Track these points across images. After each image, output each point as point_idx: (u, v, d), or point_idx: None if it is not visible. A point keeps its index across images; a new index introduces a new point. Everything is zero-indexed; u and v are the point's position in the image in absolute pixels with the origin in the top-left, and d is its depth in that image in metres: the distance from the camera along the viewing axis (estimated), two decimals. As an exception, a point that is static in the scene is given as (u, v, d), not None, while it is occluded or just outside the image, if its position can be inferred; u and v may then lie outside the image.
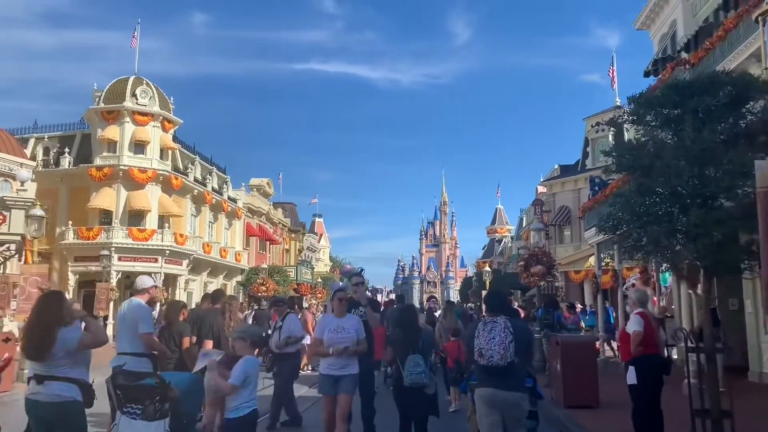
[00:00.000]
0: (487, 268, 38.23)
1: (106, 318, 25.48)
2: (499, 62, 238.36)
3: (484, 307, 24.68)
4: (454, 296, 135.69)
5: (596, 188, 20.09)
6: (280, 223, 54.00)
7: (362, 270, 10.44)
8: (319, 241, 74.99)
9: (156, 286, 7.18)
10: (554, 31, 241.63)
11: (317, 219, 79.63)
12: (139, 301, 6.94)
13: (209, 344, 7.61)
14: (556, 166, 39.95)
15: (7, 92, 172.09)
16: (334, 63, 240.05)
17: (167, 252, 31.58)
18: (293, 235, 59.58)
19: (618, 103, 34.63)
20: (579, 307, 23.11)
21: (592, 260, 27.72)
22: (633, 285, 23.45)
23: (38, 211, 14.67)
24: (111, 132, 31.87)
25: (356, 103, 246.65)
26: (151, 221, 32.23)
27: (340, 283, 18.51)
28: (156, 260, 31.47)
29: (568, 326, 16.26)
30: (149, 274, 31.33)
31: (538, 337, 16.18)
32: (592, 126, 34.73)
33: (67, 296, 5.77)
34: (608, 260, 20.36)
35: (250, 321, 19.78)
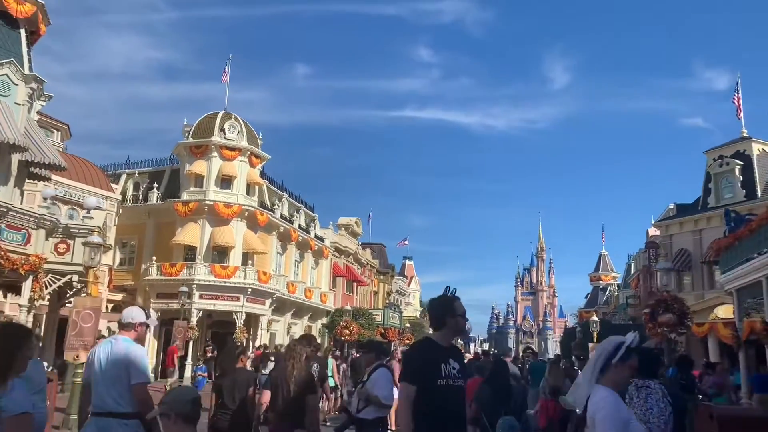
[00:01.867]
0: (594, 318, 34.35)
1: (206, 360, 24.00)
2: (596, 106, 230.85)
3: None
4: (553, 347, 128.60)
5: (733, 223, 16.68)
6: (368, 264, 52.31)
7: None
8: (409, 285, 72.70)
9: (144, 324, 5.08)
10: (655, 73, 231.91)
11: (407, 261, 77.55)
12: (128, 339, 4.95)
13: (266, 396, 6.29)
14: (671, 206, 35.89)
15: (128, 142, 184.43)
16: (429, 110, 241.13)
17: (249, 290, 30.32)
18: (382, 277, 57.69)
19: (744, 134, 30.66)
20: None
21: (720, 311, 23.75)
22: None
23: (95, 238, 13.35)
24: (198, 167, 31.44)
25: (450, 149, 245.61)
26: (234, 258, 31.22)
27: None
28: (238, 299, 30.25)
29: (708, 390, 12.97)
30: (232, 313, 30.23)
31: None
32: (714, 159, 30.78)
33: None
34: (752, 312, 16.79)
35: (340, 370, 17.50)
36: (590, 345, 31.77)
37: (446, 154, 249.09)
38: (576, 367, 25.13)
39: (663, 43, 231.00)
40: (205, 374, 21.38)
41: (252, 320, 32.04)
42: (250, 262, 31.52)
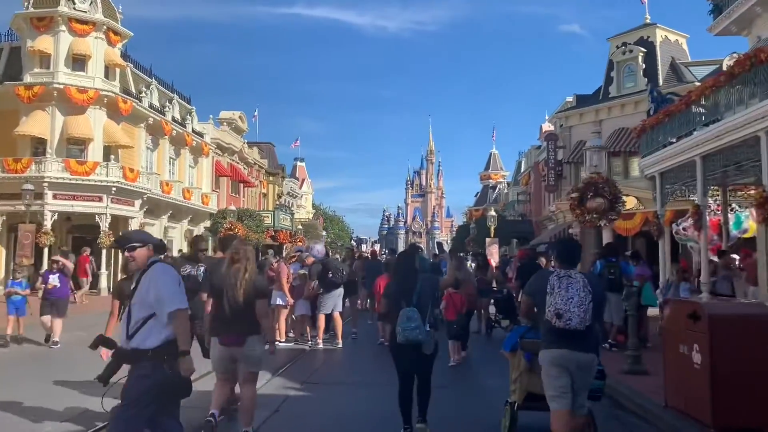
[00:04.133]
0: (492, 213, 33.48)
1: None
2: (485, 10, 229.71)
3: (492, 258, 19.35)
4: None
5: (657, 103, 15.16)
6: (256, 164, 48.65)
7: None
8: (300, 187, 69.80)
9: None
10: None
11: (299, 163, 74.13)
12: None
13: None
14: (570, 98, 34.85)
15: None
16: (321, 8, 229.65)
17: (114, 189, 26.32)
18: (271, 178, 54.31)
19: (648, 20, 29.49)
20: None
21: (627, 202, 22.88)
22: (684, 230, 18.96)
23: None
24: (43, 43, 26.14)
25: (342, 52, 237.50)
26: (94, 153, 26.86)
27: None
28: (100, 199, 26.24)
29: (634, 282, 11.61)
30: (94, 215, 26.27)
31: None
32: (617, 47, 29.55)
33: None
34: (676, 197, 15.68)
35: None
36: (487, 240, 31.08)
37: (338, 57, 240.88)
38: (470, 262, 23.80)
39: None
40: (26, 291, 12.00)
41: (120, 223, 28.17)
42: (113, 157, 27.25)
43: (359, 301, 15.14)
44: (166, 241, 32.11)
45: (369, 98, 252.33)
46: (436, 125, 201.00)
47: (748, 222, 18.21)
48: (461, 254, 16.77)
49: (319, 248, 13.51)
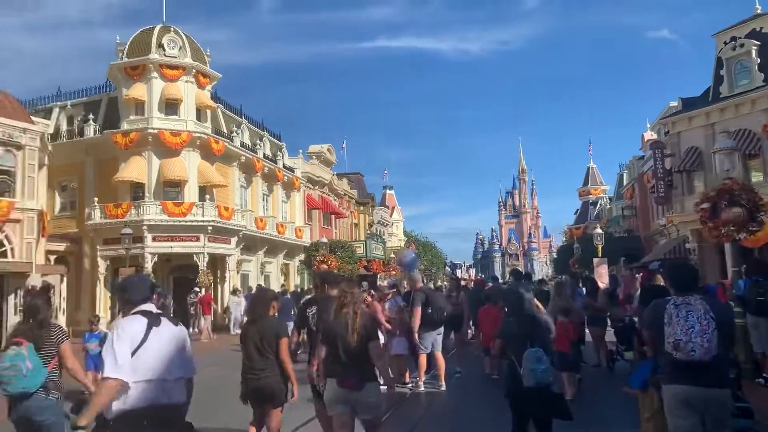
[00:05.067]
0: (599, 230, 31.31)
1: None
2: (569, 23, 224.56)
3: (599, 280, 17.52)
4: (539, 268, 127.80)
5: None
6: (346, 195, 48.67)
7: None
8: (391, 215, 69.42)
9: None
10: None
11: (388, 191, 73.92)
12: None
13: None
14: (674, 103, 32.33)
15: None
16: (402, 38, 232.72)
17: (210, 228, 26.64)
18: (362, 208, 54.21)
19: (759, 10, 26.87)
20: None
21: None
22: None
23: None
24: (137, 90, 27.07)
25: (425, 79, 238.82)
26: (190, 194, 27.36)
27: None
28: (197, 238, 26.60)
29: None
30: (192, 255, 26.65)
31: (740, 323, 9.91)
32: (725, 43, 27.06)
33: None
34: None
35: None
36: (595, 260, 28.96)
37: (421, 84, 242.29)
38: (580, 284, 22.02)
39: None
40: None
41: (218, 261, 28.54)
42: (208, 197, 27.68)
43: (465, 336, 13.94)
44: (263, 277, 32.39)
45: (454, 122, 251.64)
46: (526, 143, 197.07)
47: None
48: (560, 278, 15.31)
49: (412, 254, 12.56)
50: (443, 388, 10.79)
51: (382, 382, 5.71)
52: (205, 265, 26.64)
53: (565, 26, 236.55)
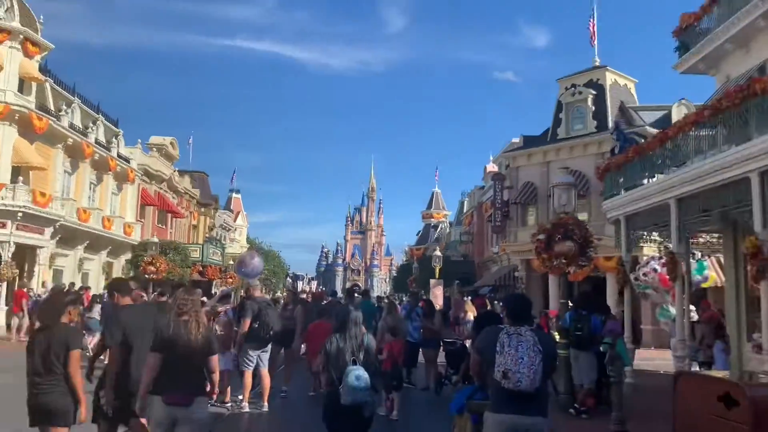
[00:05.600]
0: (438, 253, 32.07)
1: None
2: (430, 54, 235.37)
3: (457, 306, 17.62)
4: (379, 284, 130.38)
5: (623, 140, 14.13)
6: (186, 193, 45.97)
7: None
8: (235, 220, 67.01)
9: None
10: (482, 25, 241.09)
11: (234, 195, 71.37)
12: None
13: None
14: (517, 139, 34.24)
15: None
16: (265, 42, 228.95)
17: (20, 215, 23.49)
18: (203, 209, 51.59)
19: (598, 62, 29.26)
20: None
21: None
22: (644, 276, 17.90)
23: None
24: (-54, 49, 23.42)
25: (285, 87, 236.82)
26: (0, 173, 24.03)
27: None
28: (3, 225, 23.35)
29: (604, 338, 10.21)
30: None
31: (563, 354, 10.14)
32: (566, 88, 29.13)
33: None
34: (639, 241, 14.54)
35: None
36: (432, 281, 29.58)
37: (280, 91, 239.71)
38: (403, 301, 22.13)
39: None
40: None
41: (27, 253, 25.28)
42: (22, 179, 24.48)
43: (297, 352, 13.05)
44: (80, 275, 29.27)
45: (310, 134, 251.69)
46: (378, 163, 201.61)
47: (709, 271, 17.38)
48: (394, 297, 15.12)
49: (256, 262, 11.60)
50: (265, 408, 9.94)
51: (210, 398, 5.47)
52: (10, 255, 23.43)
53: (423, 56, 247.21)
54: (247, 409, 9.84)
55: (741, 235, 13.07)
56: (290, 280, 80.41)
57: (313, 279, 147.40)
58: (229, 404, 10.12)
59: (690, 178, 10.17)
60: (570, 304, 10.42)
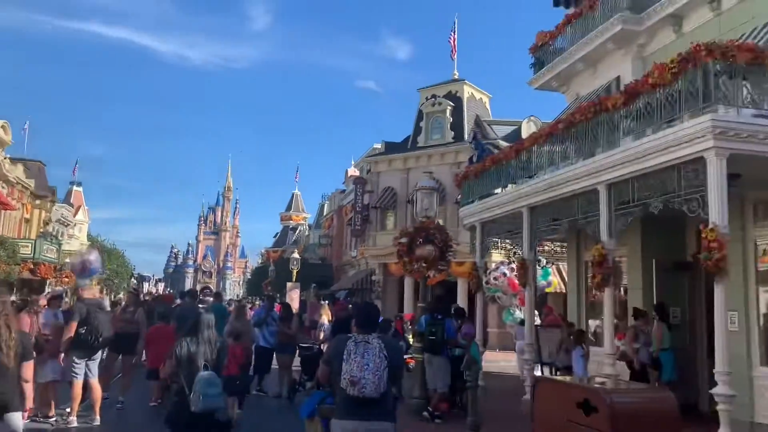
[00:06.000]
0: (296, 255, 31.47)
1: None
2: (294, 55, 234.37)
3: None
4: (231, 287, 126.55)
5: (480, 150, 14.58)
6: (19, 183, 41.44)
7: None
8: (75, 215, 61.58)
9: None
10: (347, 32, 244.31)
11: (75, 188, 65.62)
12: None
13: None
14: (378, 144, 34.62)
15: None
16: (118, 28, 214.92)
17: None
18: (38, 202, 46.81)
19: (456, 76, 30.37)
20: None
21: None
22: (495, 280, 18.63)
23: None
24: None
25: (139, 77, 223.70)
26: None
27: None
28: None
29: (461, 341, 10.33)
30: None
31: (418, 358, 10.15)
32: (427, 98, 29.91)
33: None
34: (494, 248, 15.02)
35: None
36: (289, 284, 28.93)
37: (133, 80, 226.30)
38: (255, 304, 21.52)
39: (357, 2, 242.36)
40: None
41: None
42: None
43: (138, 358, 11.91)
44: None
45: (164, 128, 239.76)
46: (236, 162, 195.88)
47: (553, 277, 18.50)
48: (242, 301, 14.52)
49: (90, 260, 10.45)
50: (97, 422, 8.92)
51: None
52: None
53: (287, 57, 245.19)
54: (75, 424, 8.79)
55: (584, 244, 14.00)
56: (135, 281, 75.48)
57: (160, 280, 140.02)
58: (54, 419, 8.97)
59: (543, 187, 10.60)
60: (421, 306, 10.39)
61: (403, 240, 10.09)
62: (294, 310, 15.06)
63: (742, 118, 7.21)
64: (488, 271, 16.93)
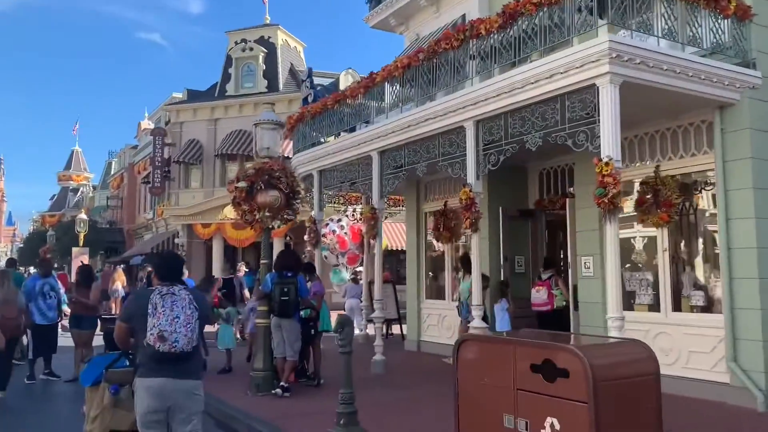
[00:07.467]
0: (83, 216, 27.23)
1: None
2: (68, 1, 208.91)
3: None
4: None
5: (318, 93, 13.02)
6: None
7: None
8: None
9: None
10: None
11: None
12: None
13: None
14: (179, 93, 31.17)
15: None
16: None
17: None
18: None
19: (268, 20, 28.24)
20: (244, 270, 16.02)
21: (229, 211, 20.65)
22: (334, 233, 17.49)
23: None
24: None
25: None
26: None
27: None
28: None
29: (311, 301, 8.91)
30: None
31: (263, 324, 8.59)
32: (236, 42, 27.36)
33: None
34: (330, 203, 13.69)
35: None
36: (75, 249, 24.88)
37: None
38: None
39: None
40: None
41: None
42: None
43: None
44: None
45: None
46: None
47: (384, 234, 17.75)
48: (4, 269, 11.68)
49: None
50: None
51: None
52: None
53: (58, 1, 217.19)
54: None
55: (425, 196, 13.28)
56: None
57: None
58: None
59: (399, 127, 9.45)
60: (265, 263, 8.71)
61: (242, 185, 8.28)
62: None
63: (637, 42, 6.60)
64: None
